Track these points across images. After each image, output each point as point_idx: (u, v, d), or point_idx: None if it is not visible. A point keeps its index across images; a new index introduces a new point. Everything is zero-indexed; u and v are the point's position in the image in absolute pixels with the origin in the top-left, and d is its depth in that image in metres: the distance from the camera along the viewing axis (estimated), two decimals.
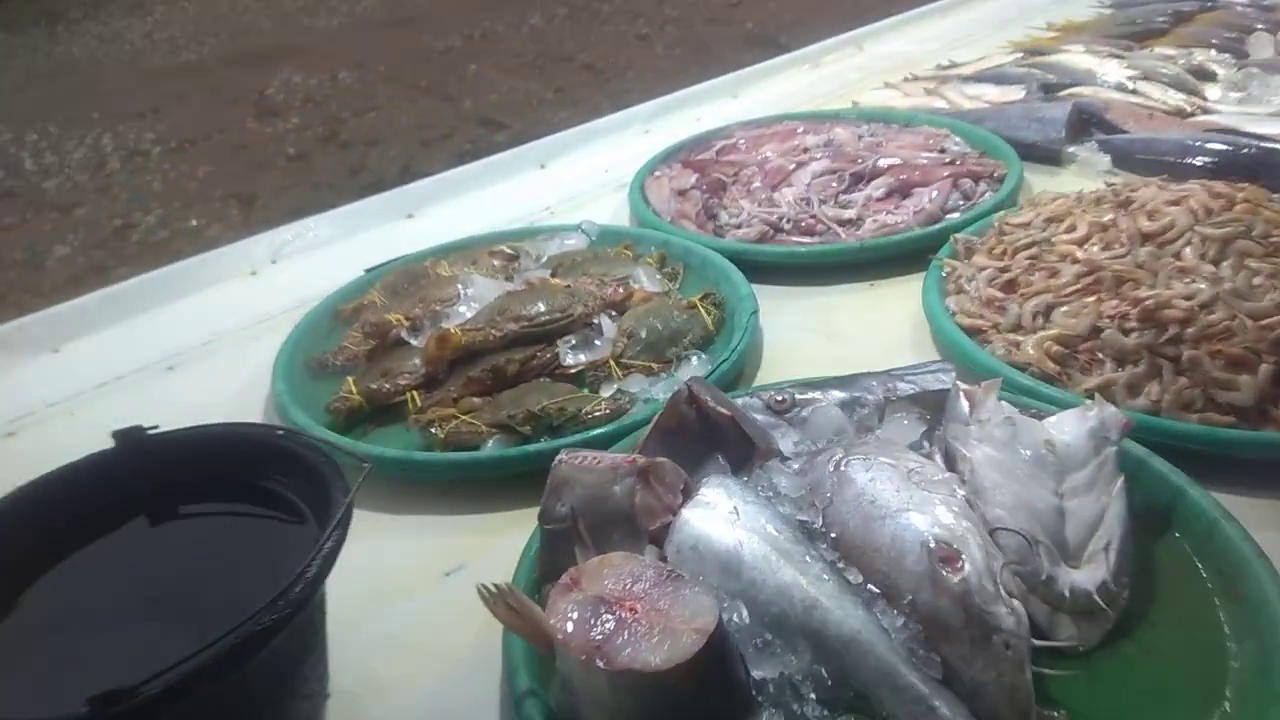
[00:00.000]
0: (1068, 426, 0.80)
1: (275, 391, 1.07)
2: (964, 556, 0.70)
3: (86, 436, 1.14)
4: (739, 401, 0.90)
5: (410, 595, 0.86)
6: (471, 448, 0.98)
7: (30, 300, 3.26)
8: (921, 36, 2.19)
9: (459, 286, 1.17)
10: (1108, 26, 2.06)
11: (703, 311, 1.14)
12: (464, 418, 1.01)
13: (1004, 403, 0.82)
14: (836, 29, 2.24)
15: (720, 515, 0.75)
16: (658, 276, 1.22)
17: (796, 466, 0.83)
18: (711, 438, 0.84)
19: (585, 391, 1.04)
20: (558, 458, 0.79)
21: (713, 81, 1.99)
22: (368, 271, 1.32)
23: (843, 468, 0.80)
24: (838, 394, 0.90)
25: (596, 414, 0.99)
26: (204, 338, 1.30)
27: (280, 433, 0.76)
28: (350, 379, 1.09)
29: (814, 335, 1.16)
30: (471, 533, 0.92)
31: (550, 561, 0.78)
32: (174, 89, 4.80)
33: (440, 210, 1.60)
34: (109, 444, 1.08)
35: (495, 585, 0.69)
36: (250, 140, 4.26)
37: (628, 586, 0.69)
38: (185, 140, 4.26)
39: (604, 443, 0.92)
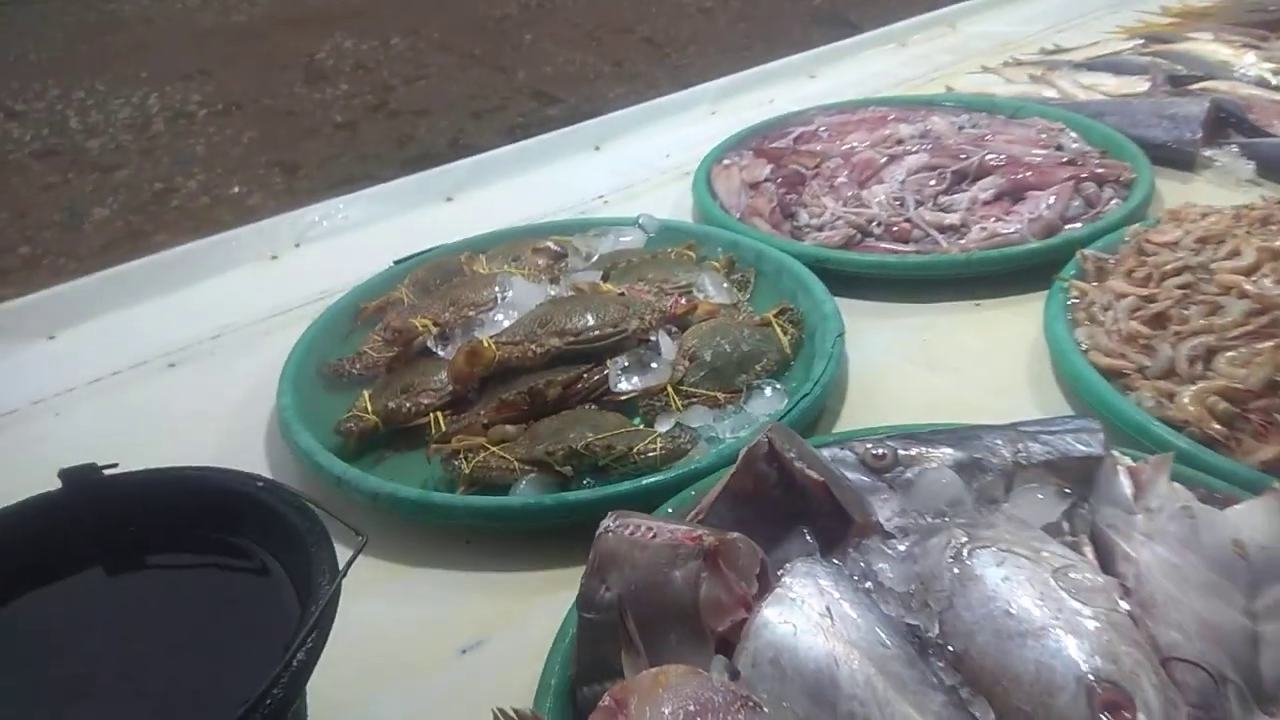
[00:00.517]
0: (1259, 520, 0.62)
1: (280, 406, 0.93)
2: (1137, 701, 0.53)
3: (67, 444, 1.00)
4: (825, 453, 0.74)
5: (416, 675, 0.71)
6: (501, 487, 0.83)
7: (65, 264, 3.17)
8: (1021, 17, 1.97)
9: (496, 289, 1.01)
10: (1235, 13, 1.83)
11: (778, 331, 0.97)
12: (494, 450, 0.85)
13: (1178, 485, 0.64)
14: (912, 8, 2.03)
15: (809, 617, 0.59)
16: (725, 285, 1.05)
17: (903, 549, 0.66)
18: (796, 507, 0.67)
19: (637, 424, 0.88)
20: (603, 525, 0.63)
21: (787, 59, 1.81)
22: (396, 263, 1.17)
23: (966, 559, 0.63)
24: (951, 452, 0.73)
25: (650, 454, 0.83)
26: (213, 330, 1.16)
27: (260, 484, 0.61)
28: (366, 393, 0.94)
29: (910, 365, 0.98)
30: (496, 596, 0.77)
31: (590, 658, 0.62)
32: (223, 51, 4.69)
33: (482, 194, 1.44)
34: (87, 455, 0.95)
35: (515, 711, 0.53)
36: (298, 106, 4.13)
37: (688, 717, 0.53)
38: (232, 104, 4.14)
39: (658, 494, 0.76)
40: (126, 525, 0.62)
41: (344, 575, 0.54)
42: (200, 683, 0.53)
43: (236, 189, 3.55)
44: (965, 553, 0.63)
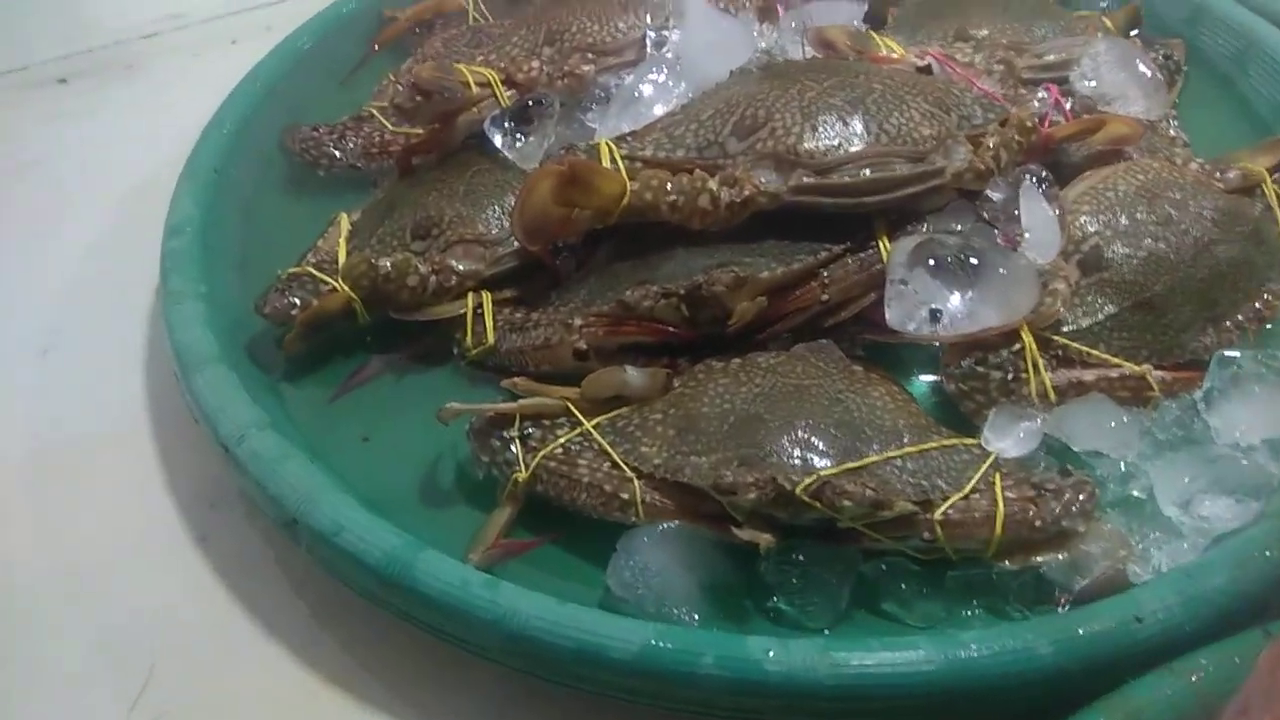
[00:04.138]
0: None
1: (173, 219, 0.44)
2: None
3: None
4: None
5: None
6: (597, 529, 0.34)
7: None
8: None
9: (647, 18, 0.46)
10: None
11: (1276, 208, 0.42)
12: (591, 427, 0.36)
13: None
14: None
15: None
16: (1146, 73, 0.47)
17: None
18: None
19: (936, 428, 0.36)
20: None
21: None
22: None
23: None
24: None
25: (972, 528, 0.32)
26: (147, 23, 0.68)
27: None
28: (346, 216, 0.45)
29: None
30: None
31: None
32: None
33: None
34: None
35: None
36: None
37: None
38: None
39: (1001, 688, 0.27)
40: None
41: None
42: None
43: None
44: None
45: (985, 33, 0.48)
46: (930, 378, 0.39)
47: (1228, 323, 0.39)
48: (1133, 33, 0.54)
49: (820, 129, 0.38)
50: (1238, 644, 0.29)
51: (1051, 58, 0.47)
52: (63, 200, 0.54)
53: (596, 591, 0.33)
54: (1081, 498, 0.33)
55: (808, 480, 0.32)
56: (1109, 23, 0.53)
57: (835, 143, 0.38)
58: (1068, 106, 0.44)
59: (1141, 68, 0.47)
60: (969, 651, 0.28)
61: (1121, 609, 0.29)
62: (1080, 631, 0.29)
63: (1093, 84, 0.46)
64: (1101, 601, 0.30)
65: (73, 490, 0.40)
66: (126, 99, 0.61)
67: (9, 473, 0.41)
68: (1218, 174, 0.43)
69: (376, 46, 0.56)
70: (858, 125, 0.38)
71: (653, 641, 0.29)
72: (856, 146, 0.38)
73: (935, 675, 0.28)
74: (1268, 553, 0.31)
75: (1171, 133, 0.49)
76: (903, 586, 0.33)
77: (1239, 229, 0.40)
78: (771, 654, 0.29)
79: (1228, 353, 0.37)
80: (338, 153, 0.49)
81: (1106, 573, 0.32)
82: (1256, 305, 0.39)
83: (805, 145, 0.38)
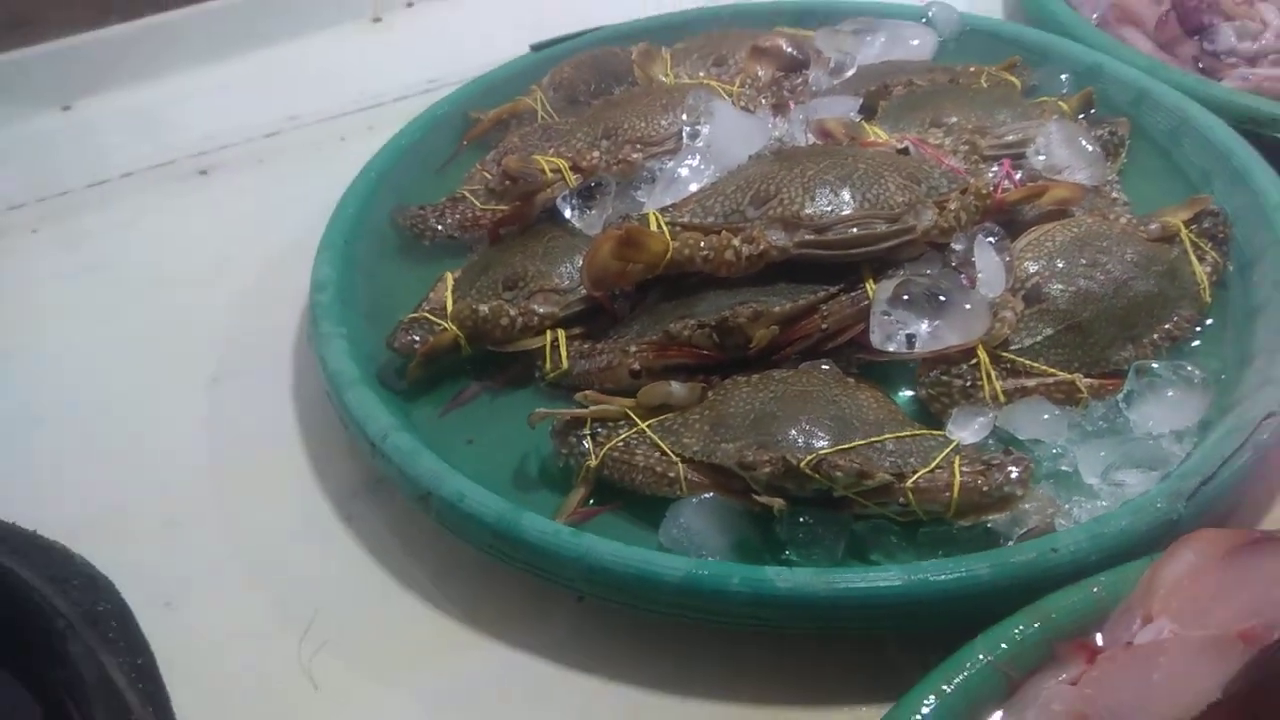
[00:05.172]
0: None
1: (314, 281, 0.57)
2: None
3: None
4: None
5: None
6: (650, 502, 0.45)
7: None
8: None
9: (683, 117, 0.59)
10: None
11: (1190, 253, 0.52)
12: (645, 428, 0.47)
13: None
14: None
15: None
16: (1090, 149, 0.59)
17: None
18: None
19: (910, 422, 0.47)
20: None
21: None
22: (535, 49, 0.76)
23: None
24: None
25: (936, 493, 0.43)
26: (270, 124, 0.81)
27: None
28: (450, 275, 0.57)
29: None
30: None
31: None
32: None
33: None
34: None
35: None
36: None
37: None
38: None
39: (955, 599, 0.37)
40: None
41: None
42: None
43: None
44: None
45: (955, 120, 0.59)
46: (908, 392, 0.50)
47: (1145, 341, 0.49)
48: (1088, 113, 0.66)
49: (817, 198, 0.50)
50: (1130, 568, 0.38)
51: (1010, 138, 0.58)
52: (214, 267, 0.67)
53: (652, 546, 0.44)
54: (1020, 470, 0.43)
55: (809, 458, 0.43)
56: (1065, 106, 0.64)
57: (829, 209, 0.50)
58: (1018, 177, 0.55)
59: (1084, 143, 0.58)
60: (926, 573, 0.39)
61: (1043, 544, 0.40)
62: (1010, 559, 0.39)
63: (1043, 158, 0.57)
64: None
65: (246, 486, 0.52)
66: (259, 186, 0.75)
67: (195, 476, 0.53)
68: (1143, 226, 0.54)
69: (465, 142, 0.69)
70: (846, 195, 0.50)
71: (694, 570, 0.40)
72: (846, 211, 0.50)
73: (900, 589, 0.38)
74: (1158, 504, 0.41)
75: (1114, 195, 0.59)
76: (885, 540, 0.43)
77: (1155, 268, 0.51)
78: (781, 577, 0.39)
79: (1144, 363, 0.47)
80: (439, 226, 0.61)
81: (1038, 525, 0.42)
82: (1168, 327, 0.50)
83: (806, 211, 0.49)
